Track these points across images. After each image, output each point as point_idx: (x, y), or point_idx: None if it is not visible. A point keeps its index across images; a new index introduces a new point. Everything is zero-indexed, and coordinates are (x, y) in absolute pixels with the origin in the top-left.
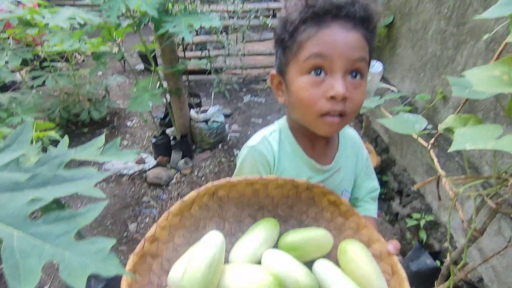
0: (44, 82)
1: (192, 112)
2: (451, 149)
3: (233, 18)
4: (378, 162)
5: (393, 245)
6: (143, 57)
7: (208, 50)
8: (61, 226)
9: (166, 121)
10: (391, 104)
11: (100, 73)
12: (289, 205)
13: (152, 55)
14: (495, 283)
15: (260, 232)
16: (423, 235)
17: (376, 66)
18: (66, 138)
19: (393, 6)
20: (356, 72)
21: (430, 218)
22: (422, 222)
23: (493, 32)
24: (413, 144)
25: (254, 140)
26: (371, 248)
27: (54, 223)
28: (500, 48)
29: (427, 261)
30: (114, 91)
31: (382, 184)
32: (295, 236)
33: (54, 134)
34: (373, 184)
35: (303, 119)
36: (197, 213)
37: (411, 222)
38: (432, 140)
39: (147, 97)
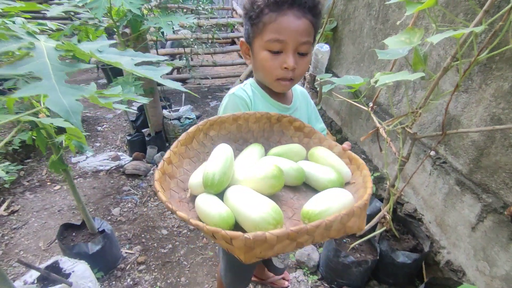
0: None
1: (165, 111)
2: (378, 84)
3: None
4: (334, 140)
5: (346, 144)
6: (105, 70)
7: (184, 47)
8: (150, 69)
9: (137, 124)
10: (340, 90)
11: None
12: (265, 137)
13: None
14: (424, 209)
15: (253, 150)
16: (373, 187)
17: (325, 47)
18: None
19: (336, 14)
20: (302, 51)
21: (377, 174)
22: (371, 178)
23: (402, 19)
24: (359, 120)
25: (233, 90)
26: (332, 151)
27: (147, 67)
28: (411, 22)
29: (376, 204)
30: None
31: None
32: (278, 148)
33: None
34: (321, 126)
35: (264, 80)
36: (197, 147)
37: None
38: (371, 104)
39: (130, 87)
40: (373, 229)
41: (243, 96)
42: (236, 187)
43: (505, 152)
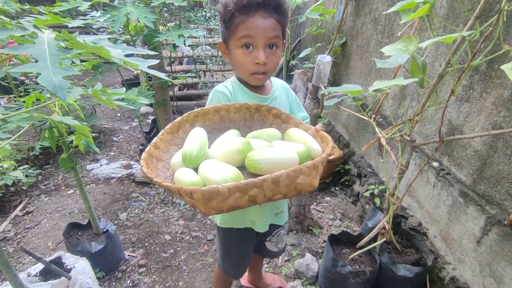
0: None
1: None
2: (372, 89)
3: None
4: (341, 154)
5: (318, 125)
6: (123, 85)
7: (195, 60)
8: (139, 60)
9: (151, 135)
10: (346, 103)
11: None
12: (247, 126)
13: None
14: (429, 222)
15: (231, 132)
16: (377, 200)
17: (327, 58)
18: None
19: (345, 30)
20: (272, 45)
21: (382, 187)
22: (376, 191)
23: (403, 30)
24: (366, 134)
25: (217, 87)
26: (307, 132)
27: (136, 58)
28: (412, 33)
29: (380, 217)
30: (98, 114)
31: (346, 171)
32: (254, 133)
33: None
34: (304, 114)
35: (241, 75)
36: (183, 136)
37: (367, 193)
38: (374, 115)
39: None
40: (373, 240)
41: (224, 91)
42: (208, 160)
43: (507, 161)
